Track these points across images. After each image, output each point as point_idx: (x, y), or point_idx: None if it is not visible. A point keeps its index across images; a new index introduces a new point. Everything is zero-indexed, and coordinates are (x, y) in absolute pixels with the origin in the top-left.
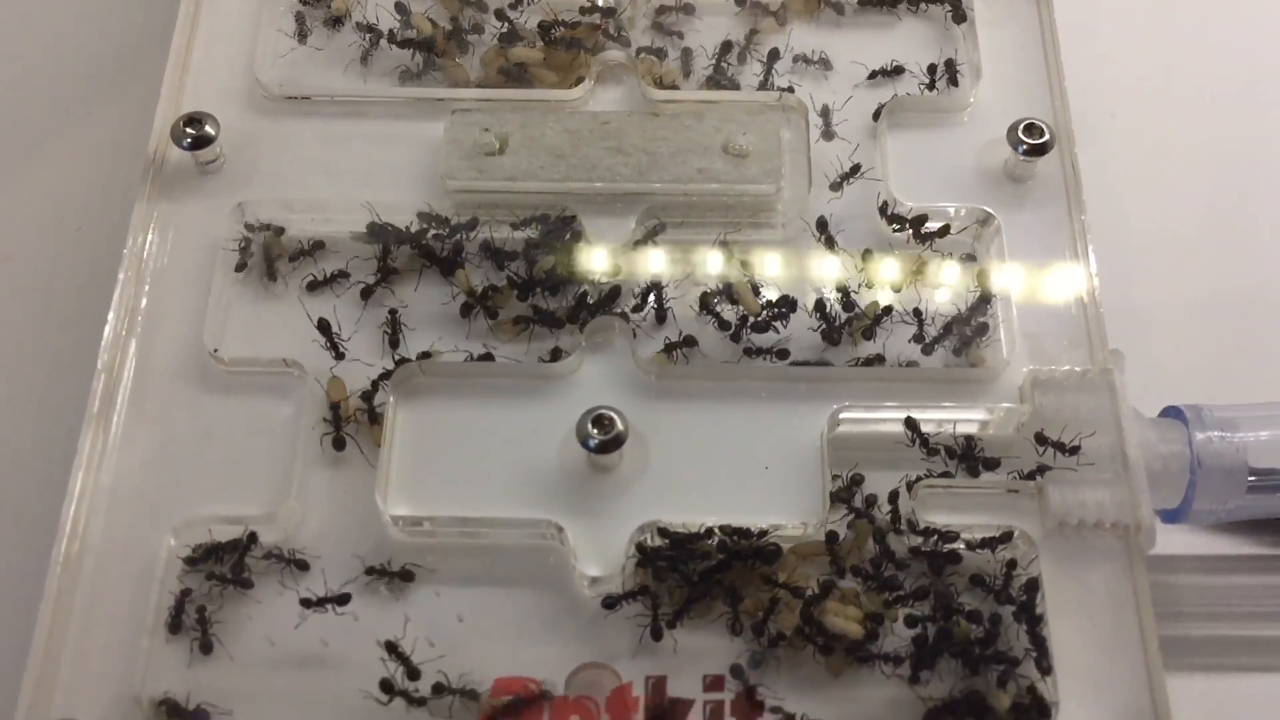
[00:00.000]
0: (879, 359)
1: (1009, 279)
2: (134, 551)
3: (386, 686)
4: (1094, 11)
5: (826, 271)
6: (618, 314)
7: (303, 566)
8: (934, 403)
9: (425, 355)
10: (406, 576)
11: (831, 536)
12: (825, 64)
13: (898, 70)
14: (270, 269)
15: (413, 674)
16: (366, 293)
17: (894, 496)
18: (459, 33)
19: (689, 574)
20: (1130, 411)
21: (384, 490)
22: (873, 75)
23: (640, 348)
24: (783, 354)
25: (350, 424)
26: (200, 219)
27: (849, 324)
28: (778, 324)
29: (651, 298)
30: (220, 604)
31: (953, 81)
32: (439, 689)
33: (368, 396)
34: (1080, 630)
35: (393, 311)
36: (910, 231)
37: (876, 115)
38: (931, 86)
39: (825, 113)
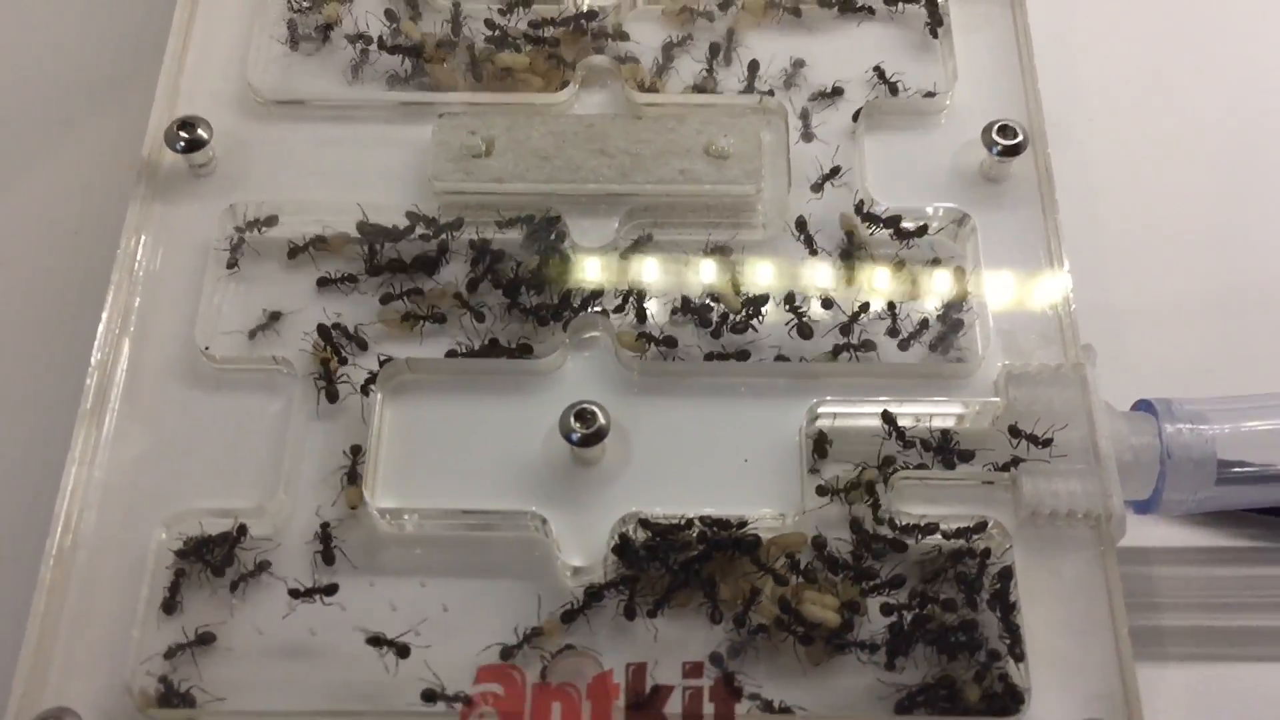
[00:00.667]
0: (867, 345)
1: (984, 277)
2: (126, 545)
3: (430, 695)
4: (1070, 18)
5: (806, 270)
6: (599, 311)
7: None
8: (911, 397)
9: (453, 354)
10: (330, 591)
11: (819, 542)
12: (799, 64)
13: (837, 91)
14: (233, 258)
15: (403, 651)
16: (386, 299)
17: (870, 488)
18: (449, 39)
19: (669, 563)
20: (1102, 405)
21: (371, 484)
22: (814, 98)
23: (621, 348)
24: (743, 356)
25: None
26: (193, 221)
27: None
28: (754, 322)
29: (632, 299)
30: (211, 591)
31: (893, 91)
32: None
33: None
34: (1052, 618)
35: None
36: (890, 230)
37: (855, 117)
38: (894, 91)
39: (805, 115)
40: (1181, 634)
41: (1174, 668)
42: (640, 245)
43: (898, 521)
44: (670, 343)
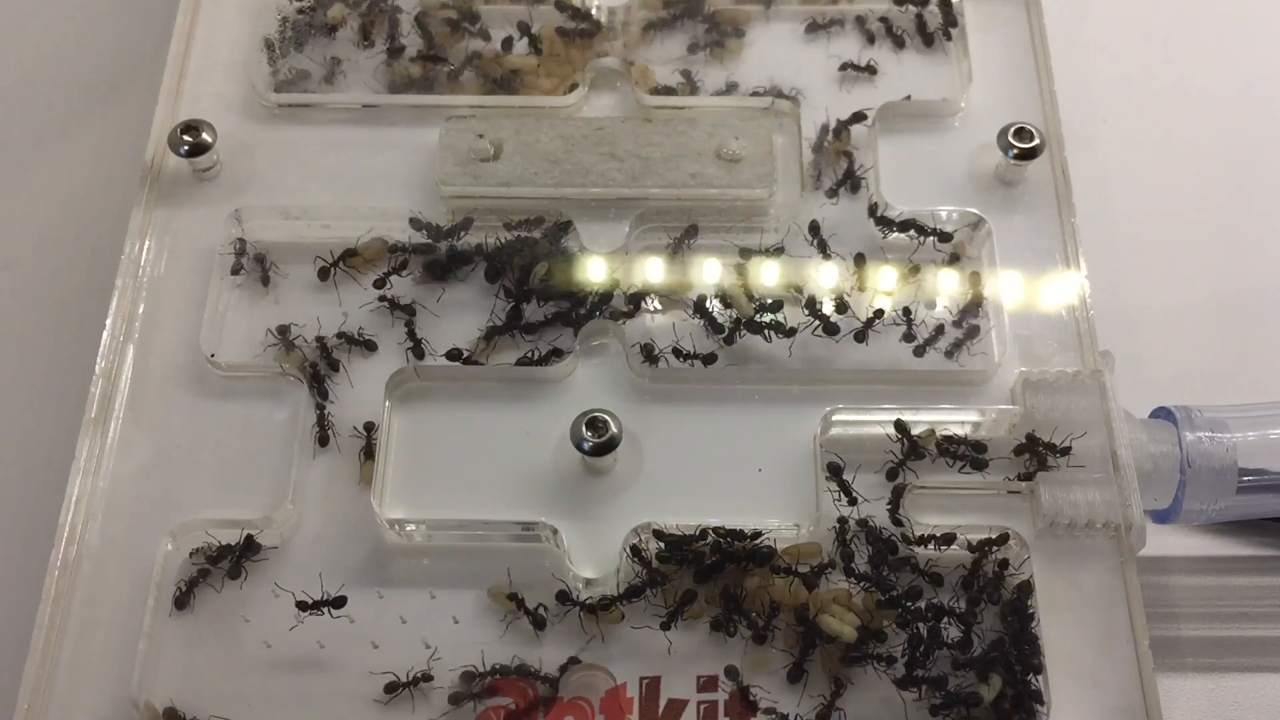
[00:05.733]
0: (879, 314)
1: (1000, 282)
2: (131, 555)
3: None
4: (1082, 18)
5: (820, 274)
6: (616, 317)
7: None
8: (926, 405)
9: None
10: (339, 603)
11: (847, 554)
12: (872, 70)
13: (870, 69)
14: (237, 264)
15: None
16: (418, 352)
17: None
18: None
19: (684, 572)
20: (1120, 412)
21: (380, 494)
22: (843, 67)
23: (632, 354)
24: (710, 359)
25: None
26: (197, 226)
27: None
28: (769, 331)
29: (644, 303)
30: (218, 603)
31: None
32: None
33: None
34: (1072, 630)
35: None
36: (909, 232)
37: (870, 119)
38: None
39: (823, 132)
40: (1201, 644)
41: (1193, 678)
42: (687, 238)
43: (911, 534)
44: (709, 359)
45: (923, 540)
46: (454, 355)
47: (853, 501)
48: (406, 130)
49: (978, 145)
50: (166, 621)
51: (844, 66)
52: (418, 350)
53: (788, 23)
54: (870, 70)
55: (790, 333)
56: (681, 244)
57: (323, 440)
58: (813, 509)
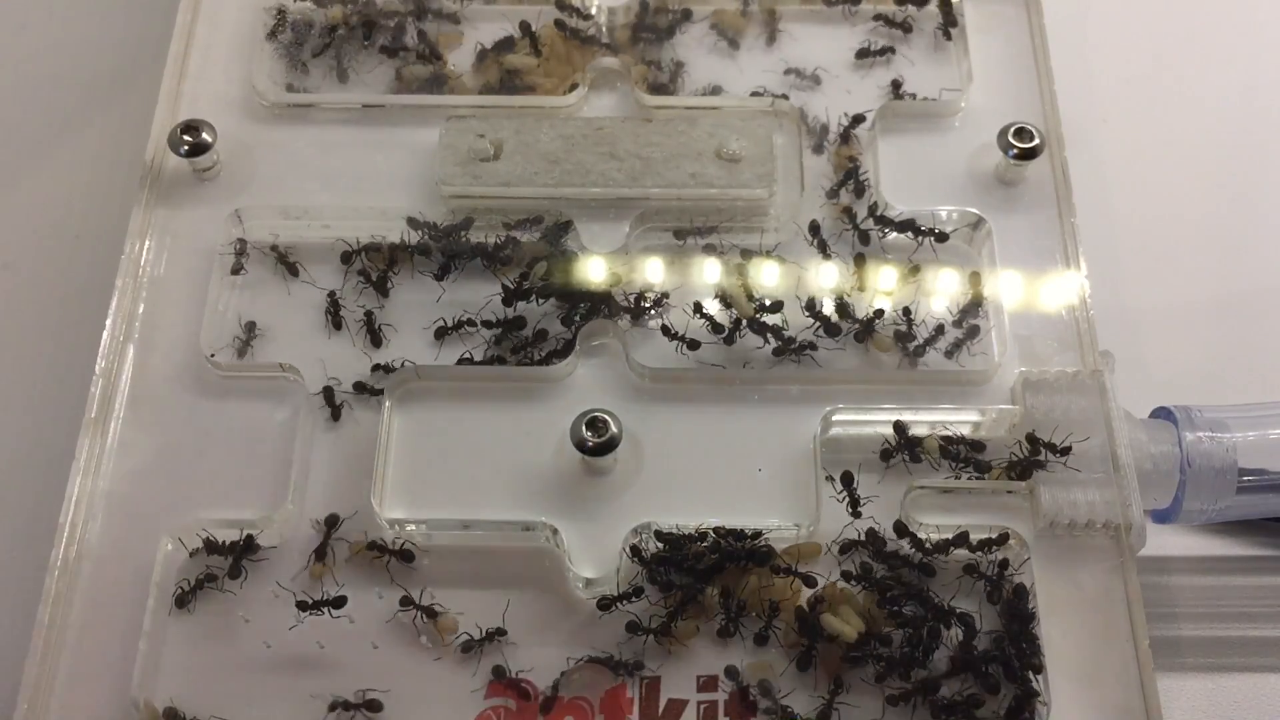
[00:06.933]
0: (879, 314)
1: (1000, 282)
2: (131, 556)
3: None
4: (1083, 18)
5: (820, 274)
6: (612, 317)
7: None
8: (926, 405)
9: (468, 360)
10: (339, 603)
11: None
12: (815, 79)
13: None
14: (238, 263)
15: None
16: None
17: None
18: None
19: (683, 575)
20: (1120, 412)
21: (380, 494)
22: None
23: (635, 352)
24: (693, 345)
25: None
26: (197, 225)
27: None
28: (769, 334)
29: (645, 303)
30: (218, 603)
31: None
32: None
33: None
34: (1071, 630)
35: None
36: (909, 232)
37: (867, 121)
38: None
39: (824, 130)
40: (1200, 644)
41: (1193, 678)
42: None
43: (926, 539)
44: (693, 345)
45: (940, 548)
46: (461, 362)
47: (857, 515)
48: (406, 130)
49: (978, 145)
50: (166, 621)
51: (788, 71)
52: (375, 339)
53: (793, 22)
54: (815, 80)
55: (786, 340)
56: (719, 249)
57: (335, 415)
58: (813, 509)
